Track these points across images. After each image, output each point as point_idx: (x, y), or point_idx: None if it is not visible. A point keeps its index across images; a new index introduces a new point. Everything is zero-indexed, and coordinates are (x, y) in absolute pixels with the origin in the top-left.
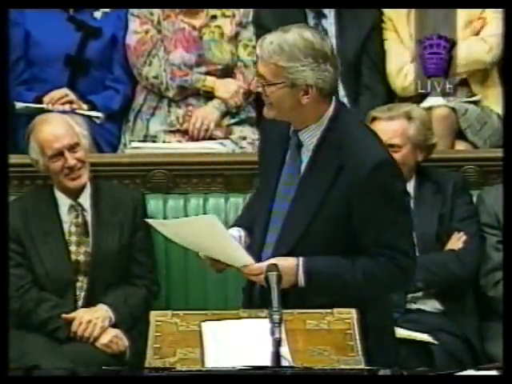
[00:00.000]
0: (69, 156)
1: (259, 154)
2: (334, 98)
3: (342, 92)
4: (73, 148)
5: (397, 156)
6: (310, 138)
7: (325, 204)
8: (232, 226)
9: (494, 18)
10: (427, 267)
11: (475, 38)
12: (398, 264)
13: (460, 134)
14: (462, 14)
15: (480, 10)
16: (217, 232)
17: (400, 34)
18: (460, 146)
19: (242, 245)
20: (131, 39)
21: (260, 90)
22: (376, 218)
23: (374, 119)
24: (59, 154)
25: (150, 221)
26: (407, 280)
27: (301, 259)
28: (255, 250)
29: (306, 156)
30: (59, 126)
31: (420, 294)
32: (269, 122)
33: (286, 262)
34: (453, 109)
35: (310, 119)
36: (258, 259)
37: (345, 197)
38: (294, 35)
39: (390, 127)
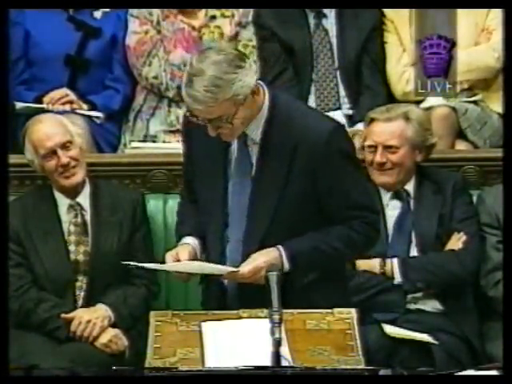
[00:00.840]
0: (62, 154)
1: (188, 160)
2: (263, 86)
3: (342, 92)
4: (65, 146)
5: (394, 157)
6: (254, 130)
7: (287, 188)
8: (181, 235)
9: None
10: (427, 268)
11: (485, 46)
12: (369, 222)
13: (460, 134)
14: (473, 21)
15: (490, 18)
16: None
17: (401, 36)
18: (460, 145)
19: (198, 254)
20: (131, 40)
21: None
22: (340, 182)
23: (372, 120)
24: (52, 152)
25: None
26: (378, 234)
27: (281, 247)
28: (216, 251)
29: (254, 149)
30: (51, 125)
31: (420, 294)
32: (195, 127)
33: (271, 255)
34: (453, 108)
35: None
36: (223, 260)
37: (306, 173)
38: (213, 58)
39: (388, 128)
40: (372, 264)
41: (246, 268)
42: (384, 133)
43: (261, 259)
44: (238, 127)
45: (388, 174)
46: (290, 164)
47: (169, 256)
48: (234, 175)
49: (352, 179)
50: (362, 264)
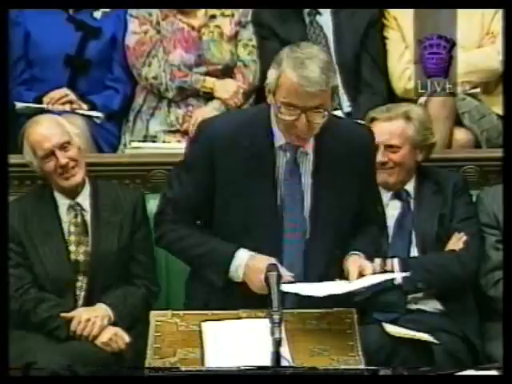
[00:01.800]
0: (60, 155)
1: (212, 186)
2: None
3: (341, 90)
4: (64, 147)
5: (396, 156)
6: (306, 147)
7: (345, 196)
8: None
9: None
10: (427, 268)
11: (489, 48)
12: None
13: (459, 123)
14: (478, 24)
15: (495, 21)
16: None
17: (404, 33)
18: (459, 132)
19: None
20: (130, 40)
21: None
22: (373, 185)
23: (373, 120)
24: (50, 153)
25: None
26: None
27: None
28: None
29: (304, 160)
30: (48, 126)
31: (420, 294)
32: (223, 150)
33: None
34: (451, 93)
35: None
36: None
37: (359, 177)
38: (316, 47)
39: (389, 128)
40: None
41: None
42: (385, 132)
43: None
44: (318, 125)
45: (389, 173)
46: (345, 171)
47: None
48: (285, 189)
49: (374, 182)
50: None
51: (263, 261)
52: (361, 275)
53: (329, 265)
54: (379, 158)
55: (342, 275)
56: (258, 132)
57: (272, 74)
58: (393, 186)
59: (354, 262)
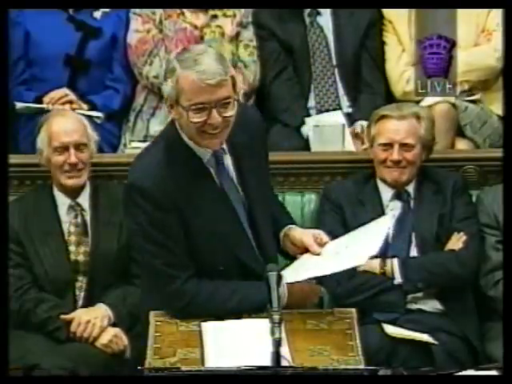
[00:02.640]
0: (73, 153)
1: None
2: None
3: (341, 91)
4: (79, 147)
5: (410, 155)
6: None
7: (265, 180)
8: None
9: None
10: (427, 268)
11: (486, 46)
12: None
13: (460, 132)
14: (473, 22)
15: (490, 19)
16: None
17: (400, 36)
18: (460, 142)
19: None
20: (132, 38)
21: None
22: (267, 162)
23: (384, 117)
24: (64, 148)
25: None
26: None
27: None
28: None
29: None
30: (73, 122)
31: (420, 294)
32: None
33: None
34: (453, 105)
35: None
36: None
37: (263, 160)
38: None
39: (403, 126)
40: (372, 264)
41: None
42: (400, 131)
43: None
44: (231, 118)
45: (401, 171)
46: (254, 154)
47: None
48: (230, 193)
49: None
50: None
51: None
52: (319, 244)
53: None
54: (395, 156)
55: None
56: (180, 158)
57: (168, 86)
58: (401, 185)
59: (303, 233)
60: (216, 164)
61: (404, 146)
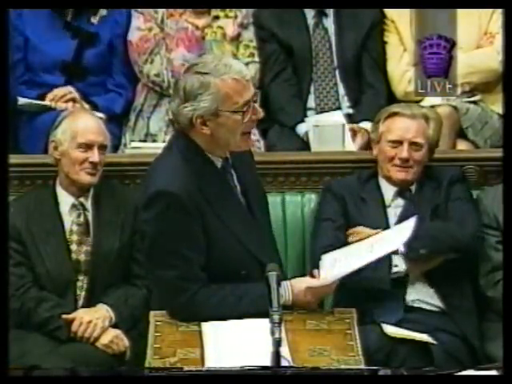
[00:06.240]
0: (96, 152)
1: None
2: None
3: (341, 91)
4: (101, 148)
5: (417, 155)
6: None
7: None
8: None
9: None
10: (429, 233)
11: (489, 49)
12: None
13: (461, 134)
14: (476, 24)
15: (493, 21)
16: None
17: (402, 36)
18: (461, 144)
19: None
20: (134, 36)
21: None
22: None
23: (395, 114)
24: (88, 146)
25: None
26: None
27: None
28: None
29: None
30: (98, 122)
31: (421, 288)
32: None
33: None
34: (455, 107)
35: None
36: None
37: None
38: None
39: (414, 125)
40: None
41: None
42: (411, 129)
43: None
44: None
45: (407, 171)
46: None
47: None
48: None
49: None
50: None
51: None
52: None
53: None
54: (404, 154)
55: None
56: (200, 167)
57: (205, 101)
58: (406, 184)
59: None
60: (227, 171)
61: (413, 144)
